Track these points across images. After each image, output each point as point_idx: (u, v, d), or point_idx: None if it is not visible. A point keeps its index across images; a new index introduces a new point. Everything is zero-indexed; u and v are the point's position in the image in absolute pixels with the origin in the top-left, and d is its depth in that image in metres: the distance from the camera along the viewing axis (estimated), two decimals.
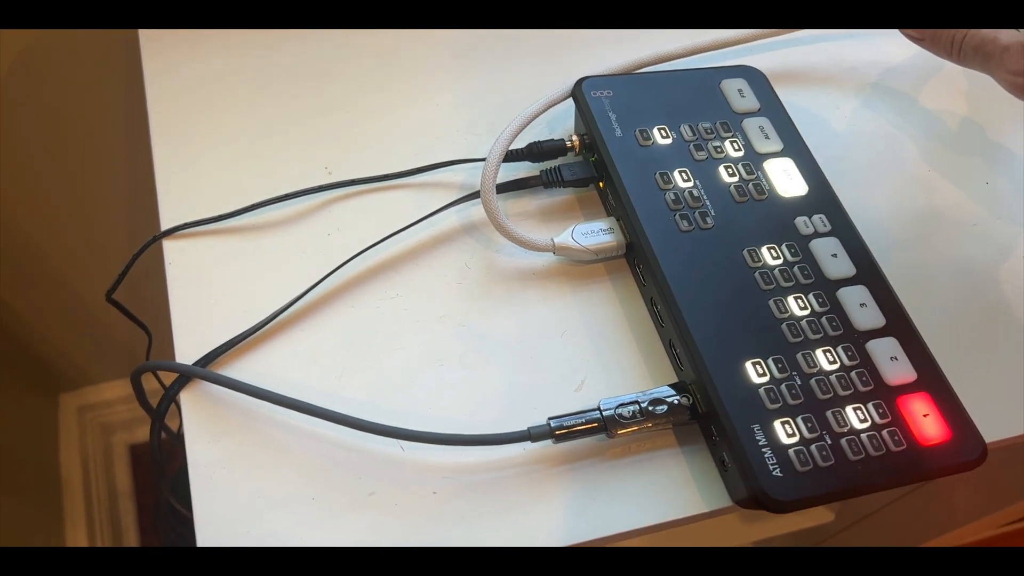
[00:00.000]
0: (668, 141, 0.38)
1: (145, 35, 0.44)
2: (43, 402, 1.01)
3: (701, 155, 0.38)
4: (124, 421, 1.09)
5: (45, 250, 0.82)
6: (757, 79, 0.41)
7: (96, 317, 0.93)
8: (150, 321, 0.43)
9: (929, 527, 0.79)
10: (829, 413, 0.31)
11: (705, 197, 0.36)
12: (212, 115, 0.42)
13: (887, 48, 0.48)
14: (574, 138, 0.40)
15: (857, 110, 0.45)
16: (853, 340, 0.33)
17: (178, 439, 0.43)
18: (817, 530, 0.87)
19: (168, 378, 0.35)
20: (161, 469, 0.37)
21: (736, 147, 0.38)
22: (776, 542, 0.87)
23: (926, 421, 0.32)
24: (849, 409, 0.32)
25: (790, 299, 0.34)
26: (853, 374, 0.33)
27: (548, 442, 0.32)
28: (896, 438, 0.31)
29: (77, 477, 1.00)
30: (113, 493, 1.06)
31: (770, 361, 0.32)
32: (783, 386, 0.32)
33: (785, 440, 0.31)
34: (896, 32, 0.48)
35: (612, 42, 0.46)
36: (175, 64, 0.43)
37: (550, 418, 0.32)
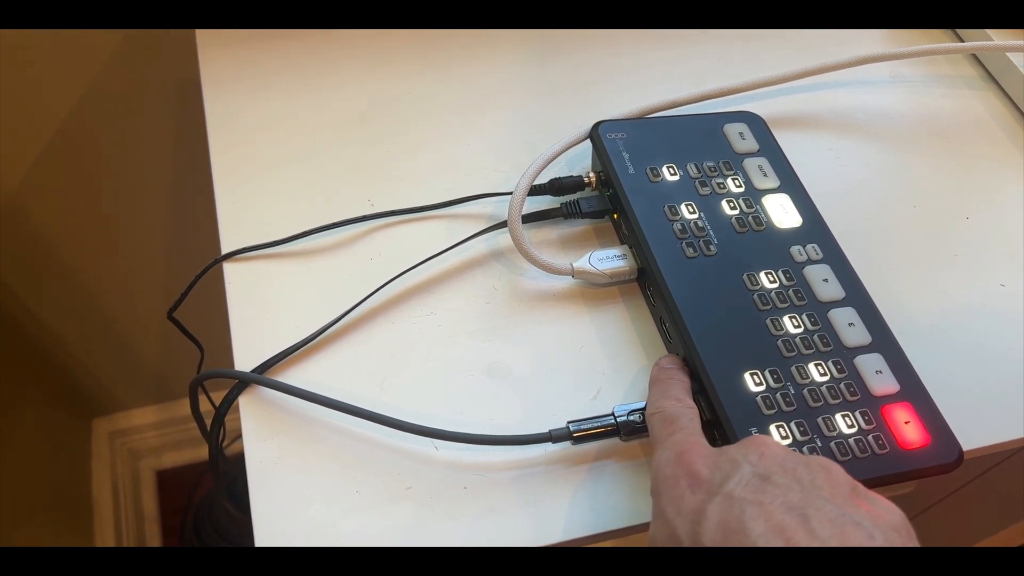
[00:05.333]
0: (676, 178, 0.42)
1: (207, 76, 0.49)
2: (77, 426, 1.05)
3: (705, 190, 0.42)
4: (152, 448, 1.13)
5: (85, 279, 0.86)
6: (757, 123, 0.46)
7: (128, 344, 0.97)
8: (199, 338, 0.47)
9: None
10: (819, 419, 0.35)
11: (709, 227, 0.41)
12: (268, 153, 0.46)
13: (876, 96, 0.52)
14: (591, 175, 0.44)
15: (849, 151, 0.49)
16: (842, 355, 0.37)
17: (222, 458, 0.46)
18: None
19: (216, 394, 0.39)
20: (218, 468, 0.40)
21: (737, 184, 0.43)
22: None
23: (907, 428, 0.35)
24: (838, 416, 0.35)
25: (785, 318, 0.38)
26: (842, 385, 0.36)
27: (567, 444, 0.36)
28: (880, 442, 0.35)
29: (107, 500, 1.03)
30: (140, 517, 1.09)
31: (767, 372, 0.36)
32: (778, 394, 0.35)
33: (780, 442, 0.34)
34: (884, 82, 0.52)
35: (626, 88, 0.51)
36: (235, 110, 0.48)
37: (569, 422, 0.36)
